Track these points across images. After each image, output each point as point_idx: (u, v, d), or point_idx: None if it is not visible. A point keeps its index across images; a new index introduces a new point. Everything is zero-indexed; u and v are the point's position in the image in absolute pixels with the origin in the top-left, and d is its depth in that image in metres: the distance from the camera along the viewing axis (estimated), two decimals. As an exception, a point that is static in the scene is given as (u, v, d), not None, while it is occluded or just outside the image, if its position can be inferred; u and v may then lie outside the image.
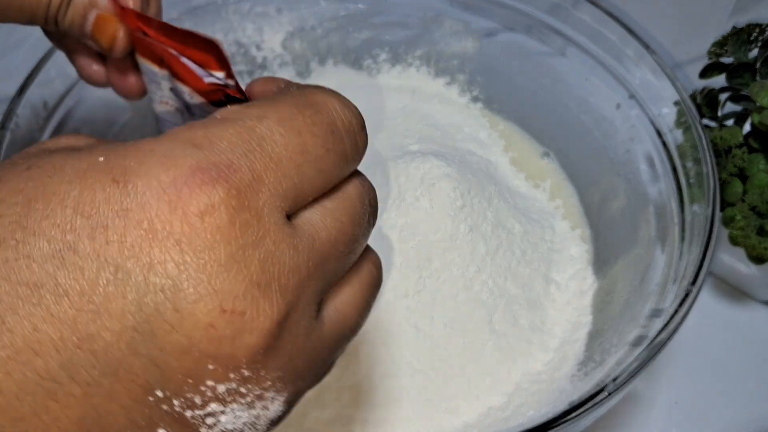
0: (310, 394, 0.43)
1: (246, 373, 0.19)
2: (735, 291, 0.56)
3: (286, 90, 0.24)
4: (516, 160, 0.58)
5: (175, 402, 0.19)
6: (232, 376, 0.19)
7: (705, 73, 0.53)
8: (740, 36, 0.52)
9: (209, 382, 0.19)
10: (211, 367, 0.19)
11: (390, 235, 0.46)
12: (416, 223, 0.46)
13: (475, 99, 0.61)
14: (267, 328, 0.19)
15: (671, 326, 0.38)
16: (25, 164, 0.19)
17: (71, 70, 0.49)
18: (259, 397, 0.20)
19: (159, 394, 0.18)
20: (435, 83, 0.62)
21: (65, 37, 0.34)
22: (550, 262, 0.50)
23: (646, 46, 0.49)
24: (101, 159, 0.19)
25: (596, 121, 0.54)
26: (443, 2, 0.58)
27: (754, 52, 0.52)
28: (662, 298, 0.42)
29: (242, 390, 0.19)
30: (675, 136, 0.47)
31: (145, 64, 0.31)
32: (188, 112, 0.30)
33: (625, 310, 0.45)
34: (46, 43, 0.49)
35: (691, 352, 0.53)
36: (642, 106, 0.50)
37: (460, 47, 0.60)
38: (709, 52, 0.54)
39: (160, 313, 0.18)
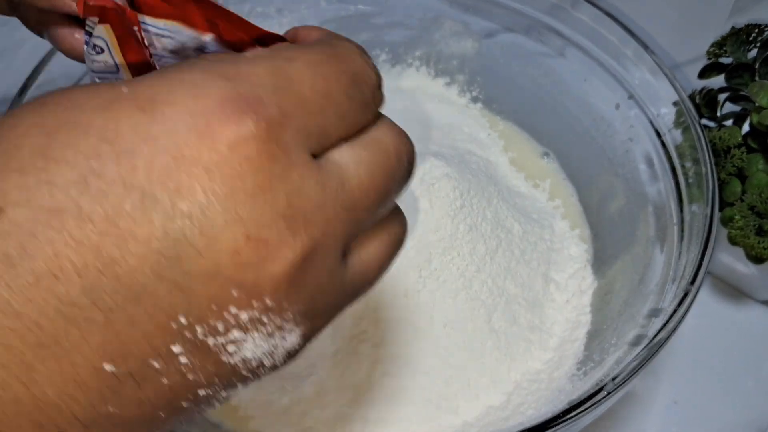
0: (311, 394, 0.44)
1: (268, 302, 0.19)
2: (734, 291, 0.56)
3: (319, 39, 0.24)
4: (515, 160, 0.58)
5: (198, 329, 0.19)
6: (255, 304, 0.19)
7: (704, 74, 0.53)
8: (739, 36, 0.52)
9: (232, 309, 0.19)
10: (235, 293, 0.19)
11: (390, 234, 0.46)
12: (415, 223, 0.46)
13: (474, 99, 0.61)
14: (291, 259, 0.19)
15: (670, 326, 0.39)
16: (37, 103, 0.19)
17: (73, 71, 0.50)
18: (279, 329, 0.20)
19: (182, 320, 0.18)
20: (435, 83, 0.62)
21: (38, 13, 0.32)
22: (550, 262, 0.50)
23: (645, 47, 0.49)
24: (125, 90, 0.19)
25: (595, 122, 0.54)
26: (443, 3, 0.58)
27: (753, 53, 0.52)
28: (661, 297, 0.42)
29: (264, 319, 0.19)
30: (674, 136, 0.47)
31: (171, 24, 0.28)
32: None
33: (624, 310, 0.45)
34: (48, 44, 0.49)
35: (690, 352, 0.53)
36: (641, 107, 0.50)
37: (460, 48, 0.60)
38: (708, 53, 0.54)
39: (187, 238, 0.18)
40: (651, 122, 0.49)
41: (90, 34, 0.27)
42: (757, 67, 0.51)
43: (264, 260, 0.19)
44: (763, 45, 0.51)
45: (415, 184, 0.47)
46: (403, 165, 0.24)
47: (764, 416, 0.51)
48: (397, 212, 0.25)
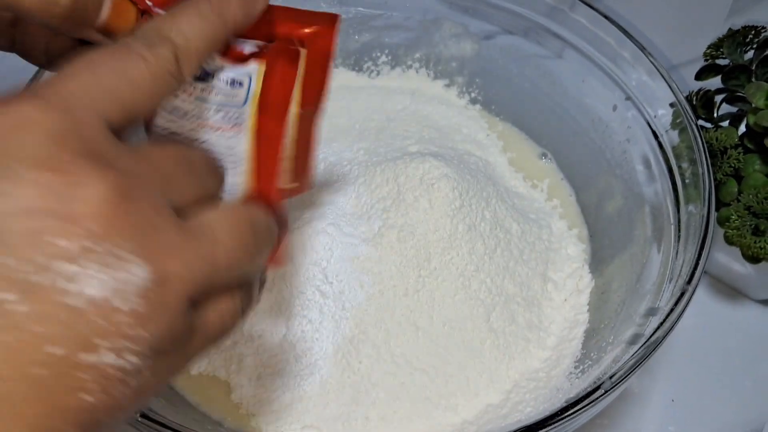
0: (312, 392, 0.44)
1: (89, 225, 0.20)
2: (730, 290, 0.57)
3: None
4: (514, 161, 0.58)
5: (25, 268, 0.19)
6: (74, 230, 0.19)
7: (701, 75, 0.53)
8: (736, 38, 0.52)
9: (49, 239, 0.19)
10: (49, 222, 0.19)
11: (389, 234, 0.46)
12: (415, 223, 0.46)
13: (473, 101, 0.61)
14: (103, 187, 0.20)
15: (667, 325, 0.39)
16: None
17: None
18: (116, 256, 0.20)
19: (6, 261, 0.19)
20: (434, 85, 0.62)
21: (48, 40, 0.32)
22: (548, 261, 0.50)
23: (643, 48, 0.50)
24: None
25: (593, 123, 0.54)
26: (442, 5, 0.58)
27: (750, 54, 0.52)
28: (658, 296, 0.42)
29: (89, 245, 0.20)
30: (671, 137, 0.48)
31: None
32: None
33: (622, 309, 0.45)
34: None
35: (687, 351, 0.53)
36: (638, 108, 0.50)
37: (459, 49, 0.60)
38: (705, 54, 0.54)
39: None
40: (648, 123, 0.49)
41: (207, 73, 0.29)
42: (753, 68, 0.51)
43: (71, 186, 0.20)
44: (760, 46, 0.52)
45: (415, 184, 0.47)
46: (262, 242, 0.26)
47: (761, 415, 0.51)
48: (249, 288, 0.26)
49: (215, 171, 0.26)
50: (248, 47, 0.29)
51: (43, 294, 0.19)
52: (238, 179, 0.31)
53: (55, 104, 0.21)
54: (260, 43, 0.30)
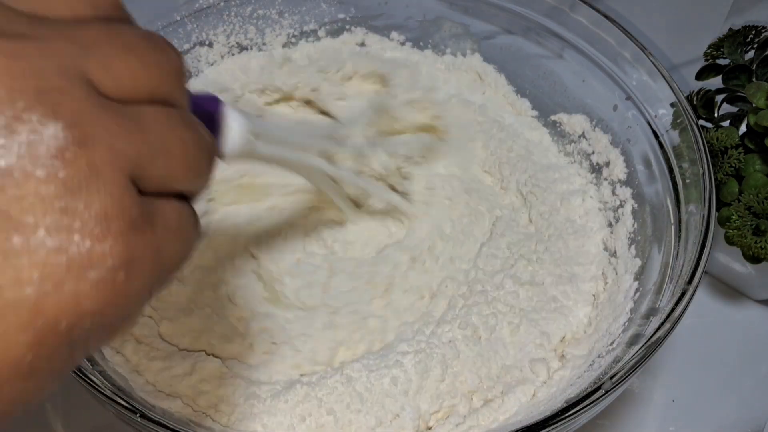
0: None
1: None
2: (731, 290, 0.56)
3: None
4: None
5: None
6: None
7: (701, 75, 0.53)
8: (736, 38, 0.52)
9: None
10: None
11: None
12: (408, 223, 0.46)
13: (474, 100, 0.61)
14: None
15: (668, 325, 0.39)
16: None
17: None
18: (16, 119, 0.16)
19: None
20: (434, 85, 0.62)
21: None
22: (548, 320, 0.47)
23: (643, 48, 0.50)
24: None
25: (594, 123, 0.54)
26: (442, 5, 0.58)
27: (750, 54, 0.52)
28: (659, 297, 0.42)
29: None
30: (671, 137, 0.48)
31: None
32: None
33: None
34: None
35: (688, 351, 0.53)
36: (639, 108, 0.50)
37: (459, 50, 0.60)
38: (706, 54, 0.54)
39: None
40: (649, 123, 0.49)
41: None
42: (754, 68, 0.51)
43: None
44: (760, 46, 0.52)
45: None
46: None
47: (762, 415, 0.51)
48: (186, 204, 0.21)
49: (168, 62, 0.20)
50: None
51: None
52: None
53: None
54: None
